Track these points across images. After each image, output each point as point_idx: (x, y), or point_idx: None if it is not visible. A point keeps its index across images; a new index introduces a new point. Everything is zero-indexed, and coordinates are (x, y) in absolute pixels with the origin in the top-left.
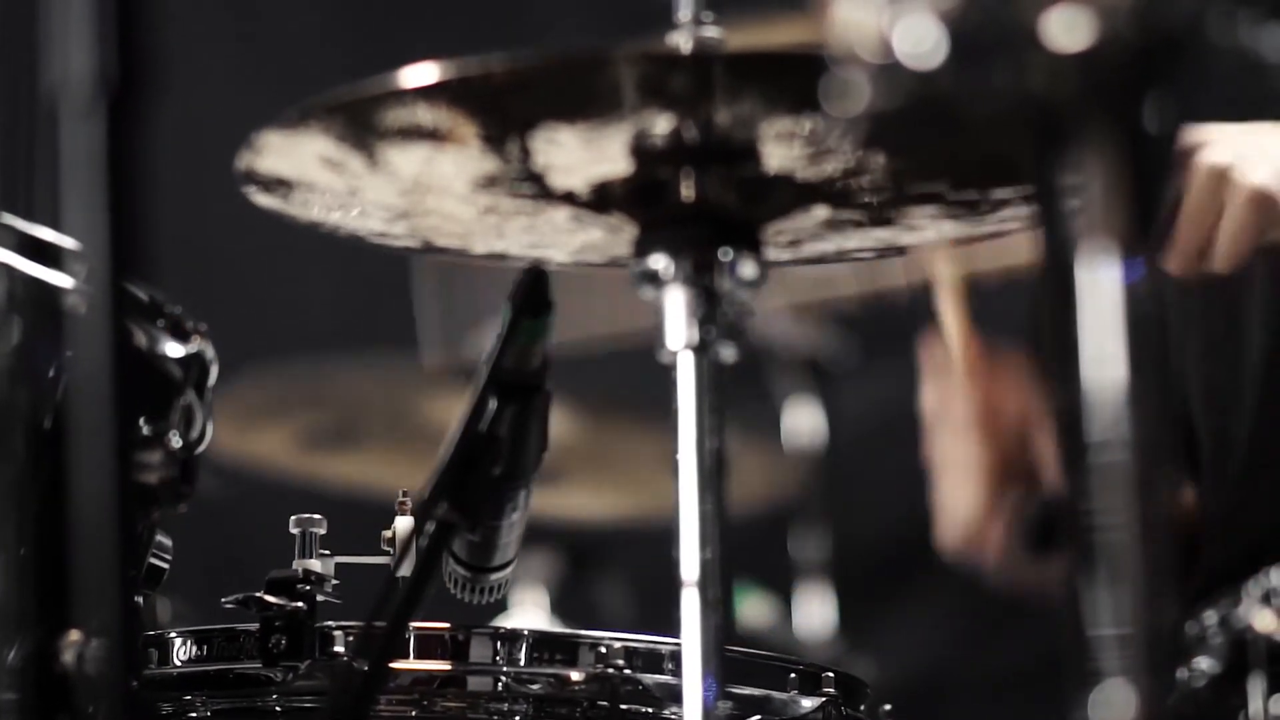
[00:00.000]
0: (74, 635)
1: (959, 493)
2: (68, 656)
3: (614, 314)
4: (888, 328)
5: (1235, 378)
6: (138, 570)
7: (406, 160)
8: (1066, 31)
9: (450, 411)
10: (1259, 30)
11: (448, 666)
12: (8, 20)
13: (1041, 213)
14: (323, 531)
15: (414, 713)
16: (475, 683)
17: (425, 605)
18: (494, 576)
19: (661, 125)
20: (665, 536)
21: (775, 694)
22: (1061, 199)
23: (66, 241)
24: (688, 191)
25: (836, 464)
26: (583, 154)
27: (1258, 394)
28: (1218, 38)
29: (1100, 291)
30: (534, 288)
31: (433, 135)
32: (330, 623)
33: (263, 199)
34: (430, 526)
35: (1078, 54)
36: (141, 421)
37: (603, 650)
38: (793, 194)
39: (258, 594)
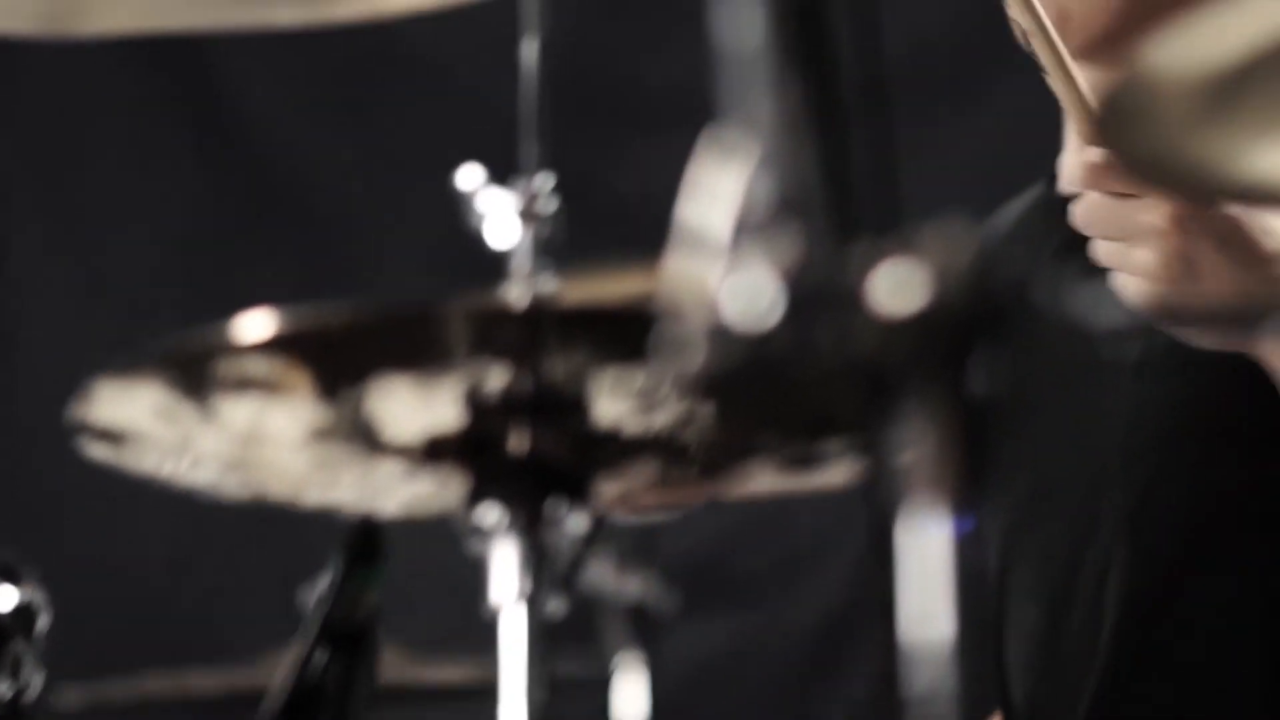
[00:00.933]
0: None
1: None
2: None
3: None
4: (713, 577)
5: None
6: None
7: (239, 411)
8: (896, 295)
9: None
10: (1083, 294)
11: None
12: None
13: (868, 469)
14: None
15: None
16: None
17: None
18: None
19: (494, 378)
20: None
21: None
22: (889, 456)
23: None
24: (518, 444)
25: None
26: (415, 406)
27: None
28: (1043, 302)
29: (925, 549)
30: (367, 538)
31: (265, 385)
32: None
33: (95, 449)
34: None
35: (907, 317)
36: None
37: None
38: (623, 447)
39: None
